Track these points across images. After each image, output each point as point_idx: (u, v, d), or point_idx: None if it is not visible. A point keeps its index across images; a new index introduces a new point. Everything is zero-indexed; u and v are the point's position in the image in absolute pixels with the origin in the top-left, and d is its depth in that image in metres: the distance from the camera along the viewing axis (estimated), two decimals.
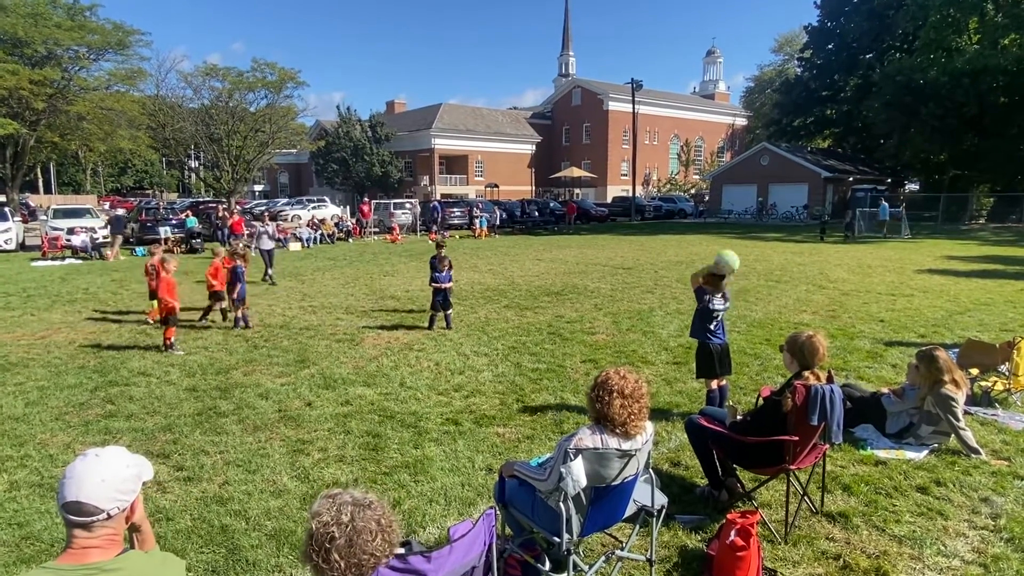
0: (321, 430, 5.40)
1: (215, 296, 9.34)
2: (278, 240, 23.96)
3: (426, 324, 9.31)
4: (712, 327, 5.25)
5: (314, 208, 41.34)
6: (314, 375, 6.93)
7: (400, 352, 7.86)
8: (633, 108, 42.76)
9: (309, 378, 6.83)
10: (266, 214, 21.38)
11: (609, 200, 49.89)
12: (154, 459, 4.88)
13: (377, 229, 30.37)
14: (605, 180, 59.81)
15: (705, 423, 4.28)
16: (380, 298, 11.87)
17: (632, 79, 41.84)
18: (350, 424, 5.51)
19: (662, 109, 63.11)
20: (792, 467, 3.89)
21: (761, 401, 4.21)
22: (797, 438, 3.81)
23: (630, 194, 45.93)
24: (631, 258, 18.64)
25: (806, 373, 3.81)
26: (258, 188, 72.13)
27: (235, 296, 8.94)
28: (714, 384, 5.32)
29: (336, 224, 29.09)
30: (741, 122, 68.79)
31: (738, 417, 4.22)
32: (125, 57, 29.47)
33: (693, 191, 61.40)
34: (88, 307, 11.07)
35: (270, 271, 14.40)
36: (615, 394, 3.10)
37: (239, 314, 8.84)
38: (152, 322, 9.07)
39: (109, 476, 1.93)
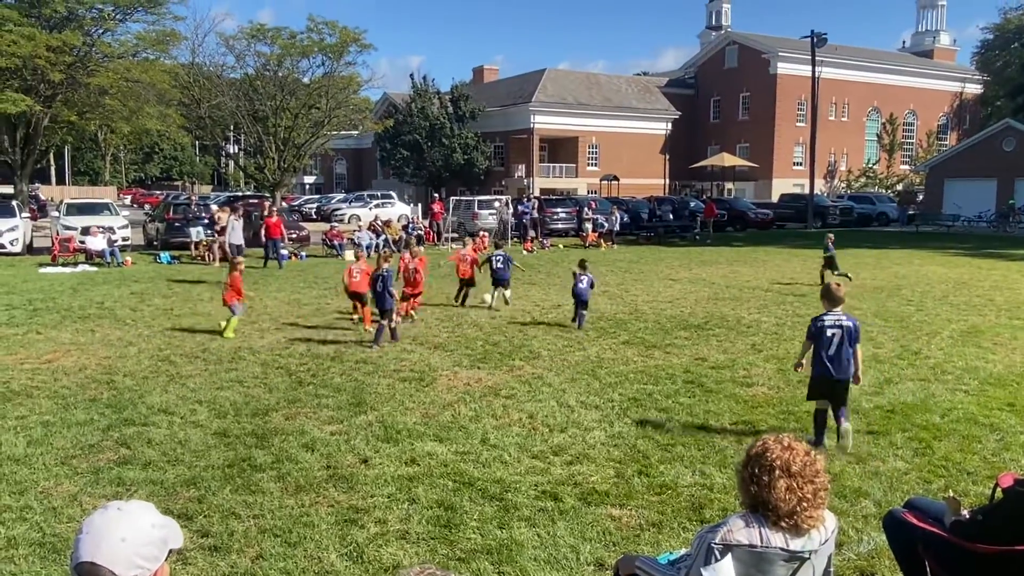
0: (379, 496, 5.61)
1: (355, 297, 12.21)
2: (332, 246, 25.38)
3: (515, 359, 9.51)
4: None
5: (377, 206, 43.44)
6: (372, 423, 7.23)
7: (483, 398, 8.06)
8: (812, 71, 41.33)
9: (366, 427, 7.13)
10: (239, 205, 22.36)
11: (775, 199, 48.48)
12: (175, 520, 5.25)
13: (456, 234, 31.34)
14: (770, 171, 58.29)
15: (913, 520, 4.05)
16: (457, 326, 12.26)
17: (812, 32, 40.60)
18: (416, 490, 5.69)
19: (854, 72, 60.85)
20: None
21: (1000, 493, 3.91)
22: None
23: (806, 190, 44.35)
24: (805, 280, 18.15)
25: None
26: (308, 180, 76.82)
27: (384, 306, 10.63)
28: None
29: (404, 227, 30.28)
30: (973, 90, 64.60)
31: (963, 514, 3.95)
32: (157, 17, 31.21)
33: (899, 187, 58.34)
34: (103, 325, 12.19)
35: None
36: (778, 472, 2.98)
37: (394, 321, 10.64)
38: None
39: (131, 536, 2.04)
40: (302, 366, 9.46)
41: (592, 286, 12.47)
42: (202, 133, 41.91)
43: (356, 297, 12.42)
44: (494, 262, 14.35)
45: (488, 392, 8.30)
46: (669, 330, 11.82)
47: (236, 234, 19.72)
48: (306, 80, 38.27)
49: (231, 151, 50.21)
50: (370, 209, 42.15)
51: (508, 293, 14.28)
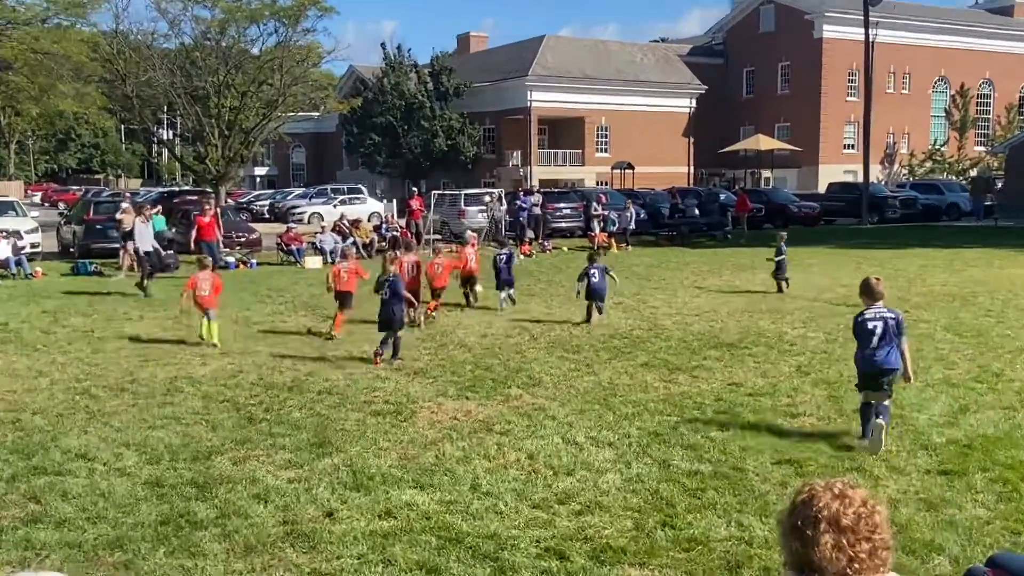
0: (347, 557, 5.59)
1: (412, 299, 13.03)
2: (288, 252, 25.41)
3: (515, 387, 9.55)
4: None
5: (343, 203, 43.62)
6: (338, 467, 7.23)
7: (473, 435, 8.08)
8: (866, 34, 41.57)
9: (331, 472, 7.13)
10: (146, 208, 22.32)
11: (822, 189, 48.71)
12: None
13: (439, 236, 31.36)
14: (815, 155, 58.70)
15: None
16: (441, 347, 12.32)
17: None
18: (392, 549, 5.67)
19: (917, 35, 61.42)
20: None
21: None
22: None
23: (859, 178, 44.55)
24: (857, 285, 18.26)
25: None
26: (260, 172, 77.17)
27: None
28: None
29: (377, 228, 30.42)
30: None
31: None
32: None
33: (973, 172, 58.65)
34: (7, 351, 12.17)
35: (147, 280, 18.06)
36: (824, 525, 2.92)
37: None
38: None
39: None
40: (253, 398, 9.47)
41: (608, 272, 14.43)
42: (129, 116, 41.97)
43: (341, 299, 13.44)
44: (498, 261, 16.15)
45: (479, 427, 8.32)
46: (696, 349, 11.88)
47: (145, 238, 19.68)
48: (255, 51, 38.37)
49: (165, 137, 50.20)
50: (335, 207, 42.24)
51: (514, 292, 16.25)
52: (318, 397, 9.51)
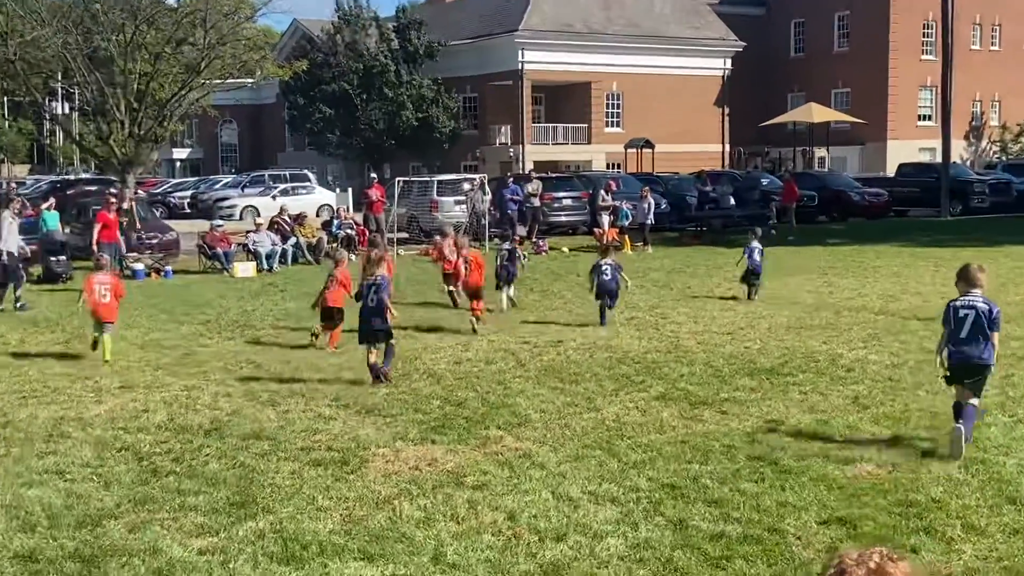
0: None
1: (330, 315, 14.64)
2: (212, 256, 25.35)
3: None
4: None
5: (285, 193, 43.55)
6: (264, 533, 7.18)
7: (438, 490, 8.06)
8: None
9: (255, 539, 7.08)
10: (16, 200, 22.24)
11: (891, 171, 48.89)
12: None
13: (406, 234, 31.30)
14: (883, 129, 59.03)
15: None
16: (403, 375, 12.38)
17: None
18: None
19: None
20: None
21: None
22: None
23: (937, 157, 44.72)
24: (934, 294, 18.29)
25: None
26: (180, 156, 77.18)
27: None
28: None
29: (326, 225, 30.53)
30: None
31: None
32: None
33: None
34: None
35: (18, 291, 18.65)
36: None
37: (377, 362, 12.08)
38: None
39: None
40: (159, 445, 9.42)
41: (620, 271, 16.16)
42: (13, 85, 41.74)
43: (329, 316, 14.53)
44: (500, 257, 17.90)
45: (446, 480, 8.27)
46: (727, 377, 11.90)
47: (11, 239, 19.61)
48: (172, 1, 38.32)
49: (59, 112, 50.12)
50: (274, 198, 42.26)
51: (512, 292, 17.86)
52: (243, 443, 9.46)
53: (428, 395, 11.28)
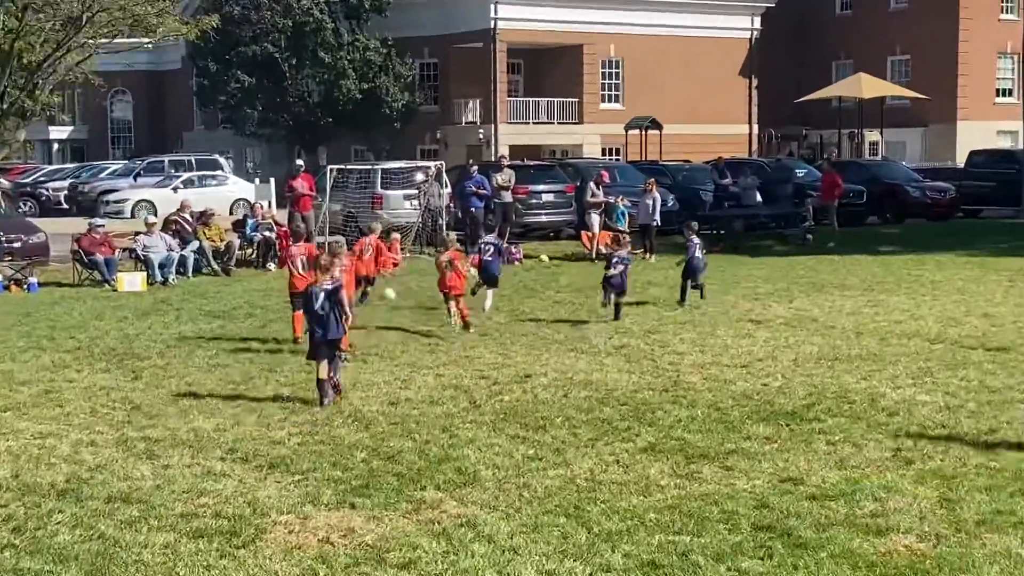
0: None
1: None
2: (90, 264, 25.14)
3: None
4: None
5: (190, 185, 43.41)
6: None
7: (352, 569, 7.98)
8: None
9: None
10: None
11: (960, 160, 49.04)
12: None
13: (342, 237, 31.01)
14: (951, 108, 59.29)
15: None
16: (321, 421, 12.21)
17: None
18: None
19: None
20: None
21: None
22: None
23: (1019, 144, 44.88)
24: (1008, 318, 18.45)
25: None
26: (59, 135, 76.72)
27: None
28: None
29: (239, 225, 30.39)
30: None
31: None
32: None
33: None
34: None
35: None
36: None
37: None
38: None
39: None
40: None
41: (628, 265, 19.06)
42: None
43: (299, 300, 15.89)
44: (483, 253, 19.39)
45: (364, 556, 8.20)
46: (736, 423, 11.85)
47: None
48: None
49: None
50: (175, 191, 42.15)
51: (491, 298, 19.49)
52: (106, 507, 9.31)
53: (352, 445, 11.17)
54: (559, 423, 11.95)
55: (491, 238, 20.16)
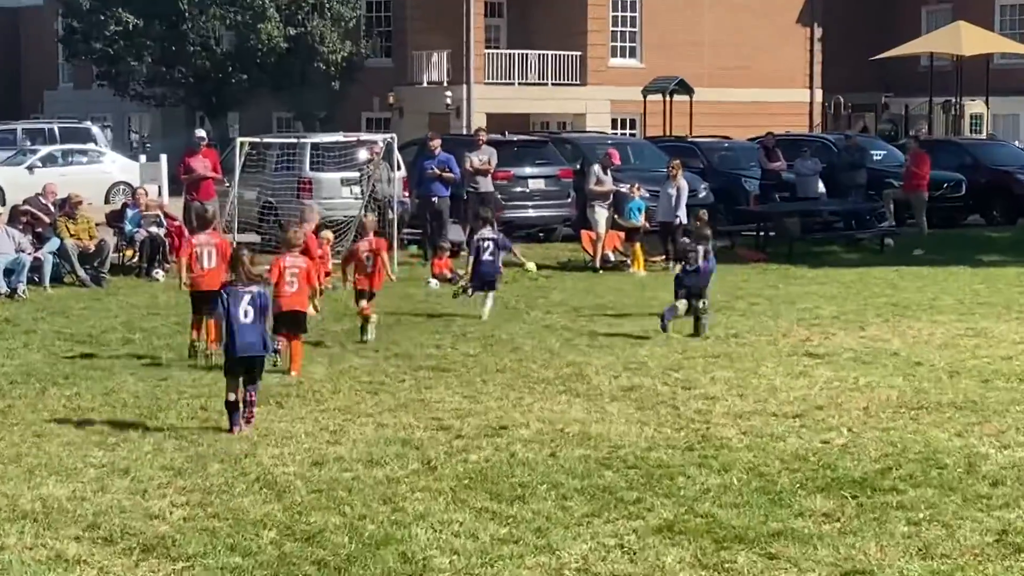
0: None
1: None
2: None
3: None
4: None
5: (51, 162, 43.91)
6: None
7: None
8: None
9: None
10: None
11: None
12: None
13: (257, 235, 31.12)
14: None
15: None
16: (219, 487, 12.07)
17: None
18: None
19: None
20: None
21: None
22: None
23: None
24: None
25: None
26: None
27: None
28: None
29: (114, 218, 30.51)
30: None
31: None
32: None
33: None
34: None
35: None
36: None
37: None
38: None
39: None
40: None
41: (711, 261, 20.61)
42: None
43: (292, 323, 17.52)
44: (481, 250, 21.09)
45: None
46: (783, 494, 11.69)
47: None
48: None
49: None
50: (31, 170, 42.23)
51: (491, 303, 21.46)
52: None
53: (258, 520, 10.96)
54: (543, 492, 11.76)
55: (489, 232, 21.44)
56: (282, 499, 11.66)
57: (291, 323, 17.25)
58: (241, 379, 13.95)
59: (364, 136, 35.49)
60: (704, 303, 20.34)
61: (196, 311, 18.20)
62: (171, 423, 14.68)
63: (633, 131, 54.38)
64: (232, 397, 13.72)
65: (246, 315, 13.59)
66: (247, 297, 13.58)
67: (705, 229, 21.44)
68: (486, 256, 19.94)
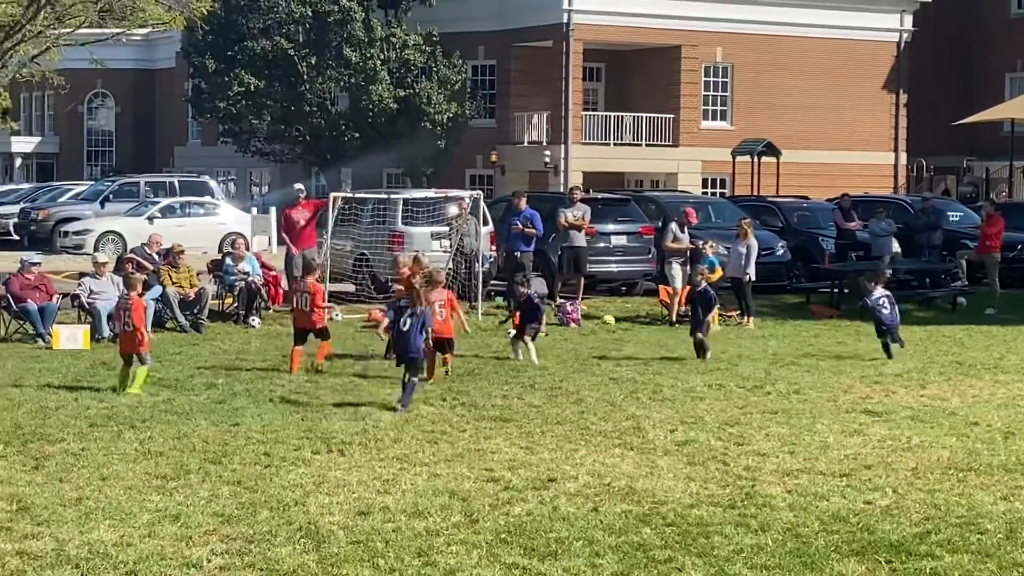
0: None
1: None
2: (19, 312, 24.98)
3: None
4: None
5: (169, 212, 44.41)
6: None
7: None
8: None
9: None
10: None
11: None
12: None
13: (353, 285, 31.02)
14: None
15: None
16: (259, 535, 11.67)
17: None
18: None
19: None
20: None
21: None
22: None
23: None
24: None
25: None
26: (24, 148, 77.29)
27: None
28: None
29: (215, 267, 30.44)
30: None
31: None
32: None
33: None
34: None
35: None
36: None
37: None
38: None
39: None
40: None
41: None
42: None
43: (302, 336, 21.25)
44: (531, 297, 23.11)
45: None
46: (817, 556, 11.21)
47: None
48: None
49: None
50: (150, 220, 42.28)
51: (535, 342, 22.65)
52: None
53: (290, 571, 10.61)
54: (577, 549, 11.32)
55: (534, 282, 23.91)
56: (320, 549, 11.29)
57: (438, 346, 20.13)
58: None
59: (452, 192, 35.37)
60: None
61: (297, 343, 21.16)
62: (233, 468, 14.42)
63: (723, 190, 53.99)
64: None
65: (412, 327, 17.56)
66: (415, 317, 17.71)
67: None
68: (537, 302, 21.59)
